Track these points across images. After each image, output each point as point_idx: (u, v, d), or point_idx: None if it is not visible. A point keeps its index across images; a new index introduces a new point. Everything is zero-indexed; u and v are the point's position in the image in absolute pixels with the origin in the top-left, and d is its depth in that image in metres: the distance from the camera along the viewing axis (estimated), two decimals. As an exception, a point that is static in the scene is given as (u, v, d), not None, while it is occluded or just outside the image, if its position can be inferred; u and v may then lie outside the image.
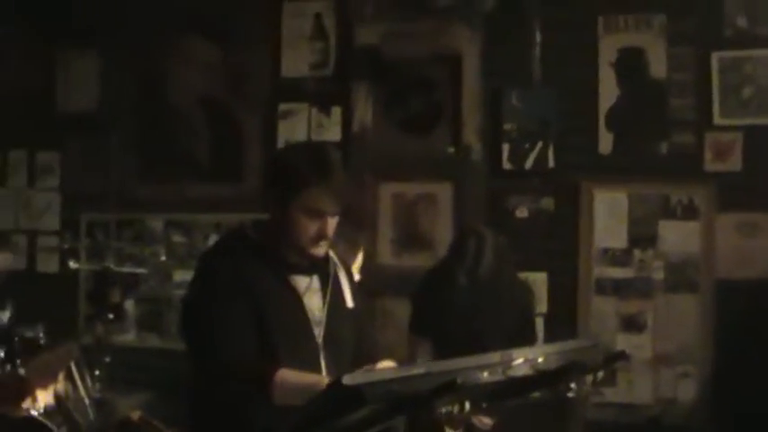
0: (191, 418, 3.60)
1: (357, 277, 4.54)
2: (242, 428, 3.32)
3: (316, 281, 3.55)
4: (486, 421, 4.98)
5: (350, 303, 3.67)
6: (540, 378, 2.77)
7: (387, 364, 3.40)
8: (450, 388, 2.21)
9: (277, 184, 3.46)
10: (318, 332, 3.47)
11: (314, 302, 3.51)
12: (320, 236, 3.41)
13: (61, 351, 5.66)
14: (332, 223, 3.43)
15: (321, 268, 3.58)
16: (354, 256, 4.83)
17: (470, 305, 5.39)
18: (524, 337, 5.30)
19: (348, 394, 2.19)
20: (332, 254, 3.66)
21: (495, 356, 2.57)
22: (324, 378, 3.21)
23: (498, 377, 2.53)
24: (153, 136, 8.49)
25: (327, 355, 3.47)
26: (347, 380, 2.16)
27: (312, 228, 3.39)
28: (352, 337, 3.61)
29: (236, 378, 3.28)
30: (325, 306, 3.53)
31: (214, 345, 3.35)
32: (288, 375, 3.21)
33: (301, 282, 3.50)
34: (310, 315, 3.48)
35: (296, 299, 3.46)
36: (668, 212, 7.16)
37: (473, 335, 5.11)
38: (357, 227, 4.77)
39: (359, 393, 2.19)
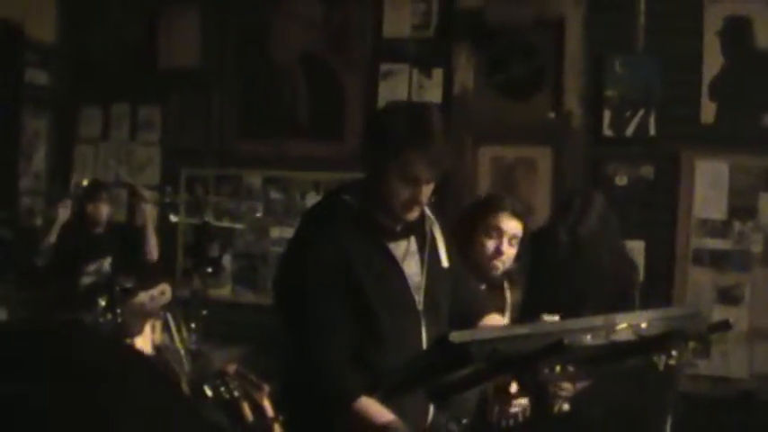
0: (284, 376, 3.63)
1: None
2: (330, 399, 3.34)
3: (413, 243, 3.52)
4: (567, 387, 4.99)
5: (445, 263, 3.62)
6: (642, 344, 2.75)
7: (495, 318, 3.40)
8: (556, 349, 2.20)
9: (374, 144, 3.42)
10: (418, 299, 3.46)
11: (412, 267, 3.49)
12: (413, 202, 3.36)
13: (155, 291, 5.75)
14: (426, 190, 3.38)
15: (418, 228, 3.54)
16: None
17: (568, 263, 5.35)
18: (622, 308, 5.27)
19: (454, 352, 2.19)
20: (427, 211, 3.62)
21: (599, 320, 2.55)
22: (398, 421, 3.18)
23: (601, 341, 2.51)
24: (254, 92, 8.55)
25: (428, 321, 3.45)
26: (454, 337, 2.17)
27: (406, 193, 3.34)
28: (448, 298, 3.59)
29: (318, 385, 3.31)
30: (424, 270, 3.50)
31: (304, 342, 3.36)
32: (366, 408, 3.21)
33: (399, 247, 3.48)
34: (410, 282, 3.46)
35: (395, 267, 3.44)
36: (769, 185, 7.06)
37: (567, 296, 5.07)
38: None
39: (465, 351, 2.20)
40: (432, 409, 3.41)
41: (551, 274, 5.25)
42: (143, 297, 5.75)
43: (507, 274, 4.28)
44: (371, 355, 3.31)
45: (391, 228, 3.47)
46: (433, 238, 3.60)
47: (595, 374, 4.49)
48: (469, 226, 4.11)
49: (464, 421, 3.84)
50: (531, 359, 2.25)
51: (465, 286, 3.70)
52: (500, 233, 4.15)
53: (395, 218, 3.44)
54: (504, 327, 2.92)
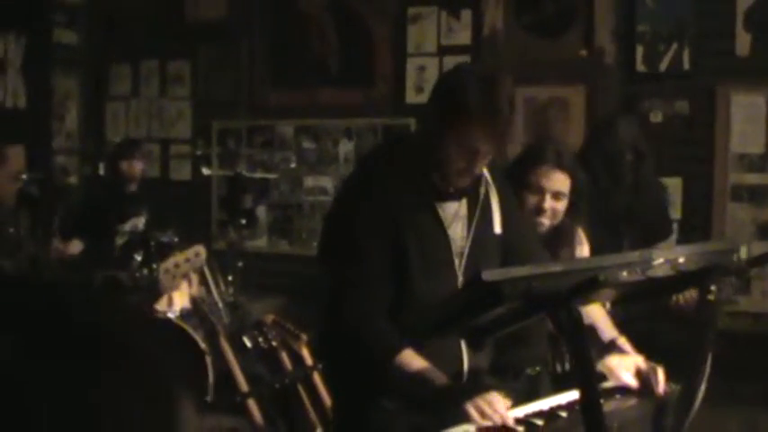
0: (322, 325, 3.61)
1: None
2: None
3: (464, 206, 3.45)
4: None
5: (497, 230, 3.53)
6: (681, 279, 2.70)
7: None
8: (591, 285, 2.16)
9: (438, 106, 3.33)
10: (459, 263, 3.40)
11: (458, 231, 3.42)
12: (468, 172, 3.30)
13: (190, 252, 5.77)
14: (483, 161, 3.30)
15: (471, 191, 3.46)
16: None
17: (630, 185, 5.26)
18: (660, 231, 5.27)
19: (487, 291, 2.15)
20: (486, 173, 3.51)
21: (634, 255, 2.50)
22: (438, 372, 3.18)
23: (638, 277, 2.46)
24: (283, 42, 8.51)
25: None
26: (486, 276, 2.12)
27: (461, 161, 3.26)
28: (496, 264, 3.46)
29: (355, 341, 3.31)
30: (470, 234, 3.43)
31: (345, 298, 3.35)
32: (407, 360, 3.19)
33: (449, 208, 3.41)
34: (452, 245, 3.39)
35: (440, 229, 3.38)
36: (808, 116, 6.95)
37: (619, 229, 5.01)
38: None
39: (498, 290, 2.16)
40: (465, 354, 3.37)
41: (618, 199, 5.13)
42: (178, 258, 5.77)
43: (558, 230, 4.10)
44: (402, 314, 3.29)
45: (443, 188, 3.40)
46: (486, 203, 3.51)
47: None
48: (515, 182, 3.95)
49: (537, 369, 3.81)
50: (565, 297, 2.20)
51: (527, 255, 3.56)
52: (541, 189, 3.93)
53: (445, 181, 3.37)
54: (538, 264, 2.86)
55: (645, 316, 4.93)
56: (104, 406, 0.84)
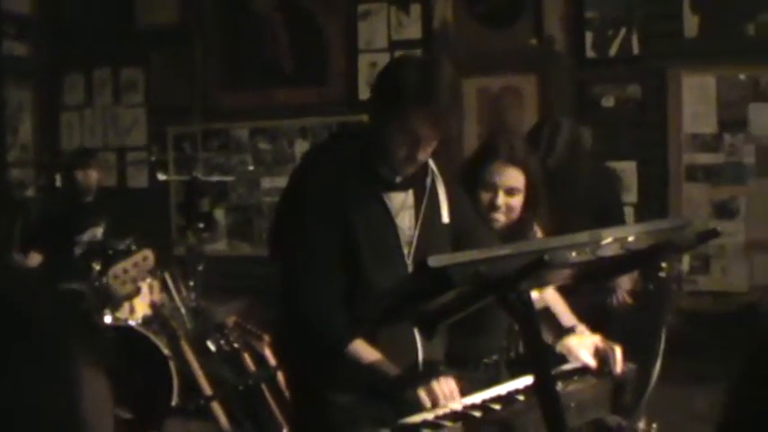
0: (279, 322, 3.62)
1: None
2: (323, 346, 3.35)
3: (411, 196, 3.45)
4: None
5: (445, 219, 3.53)
6: (631, 258, 2.71)
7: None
8: (538, 267, 2.16)
9: (379, 95, 3.37)
10: (408, 252, 3.40)
11: (406, 221, 3.42)
12: (412, 158, 3.31)
13: (138, 257, 5.76)
14: (427, 148, 3.31)
15: (418, 182, 3.47)
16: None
17: None
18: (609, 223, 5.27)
19: (435, 277, 2.15)
20: (431, 164, 3.52)
21: (583, 236, 2.50)
22: (389, 363, 3.19)
23: (587, 257, 2.47)
24: (235, 44, 8.50)
25: None
26: (433, 261, 2.13)
27: (404, 149, 3.28)
28: (447, 252, 3.48)
29: (310, 331, 3.32)
30: (418, 223, 3.44)
31: (296, 287, 3.36)
32: (359, 351, 3.21)
33: (396, 198, 3.42)
34: (401, 234, 3.39)
35: (387, 220, 3.38)
36: (758, 95, 6.99)
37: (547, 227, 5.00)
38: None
39: (445, 275, 2.16)
40: (420, 344, 3.37)
41: None
42: (126, 264, 5.77)
43: (514, 227, 4.05)
44: (356, 305, 3.28)
45: (390, 179, 3.41)
46: (433, 193, 3.52)
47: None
48: (469, 179, 3.93)
49: (494, 358, 3.81)
50: (513, 279, 2.21)
51: (477, 242, 3.55)
52: (494, 186, 3.84)
53: (393, 170, 3.38)
54: (485, 248, 2.85)
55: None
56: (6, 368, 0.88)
